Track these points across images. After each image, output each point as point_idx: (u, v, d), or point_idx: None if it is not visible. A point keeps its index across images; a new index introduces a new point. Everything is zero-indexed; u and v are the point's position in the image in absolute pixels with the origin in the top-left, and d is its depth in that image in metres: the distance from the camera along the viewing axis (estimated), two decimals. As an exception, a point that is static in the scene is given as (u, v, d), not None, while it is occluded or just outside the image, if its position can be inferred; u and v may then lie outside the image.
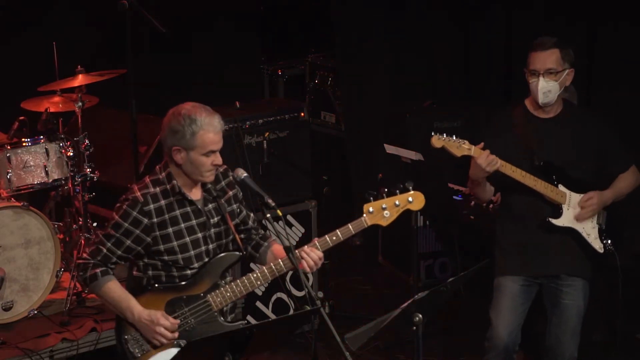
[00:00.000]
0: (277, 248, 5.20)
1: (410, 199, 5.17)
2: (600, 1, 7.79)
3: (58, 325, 6.63)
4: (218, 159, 4.97)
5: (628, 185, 5.96)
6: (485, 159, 5.63)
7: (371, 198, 5.14)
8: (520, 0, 8.26)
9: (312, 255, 5.04)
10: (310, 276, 7.29)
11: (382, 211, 5.13)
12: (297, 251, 5.03)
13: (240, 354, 4.79)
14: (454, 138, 5.63)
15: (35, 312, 6.74)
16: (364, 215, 5.12)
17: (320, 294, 7.46)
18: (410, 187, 5.18)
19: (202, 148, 4.91)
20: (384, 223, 5.16)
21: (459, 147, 5.63)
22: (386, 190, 5.17)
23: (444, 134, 5.63)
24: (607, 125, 5.94)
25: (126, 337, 5.03)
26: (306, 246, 5.08)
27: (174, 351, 4.89)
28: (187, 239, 5.03)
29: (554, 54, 5.73)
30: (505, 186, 5.86)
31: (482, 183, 5.80)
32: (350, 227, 5.11)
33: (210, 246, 5.08)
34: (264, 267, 5.07)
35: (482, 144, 5.68)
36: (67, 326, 6.62)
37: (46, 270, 6.79)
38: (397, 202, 5.15)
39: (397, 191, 5.16)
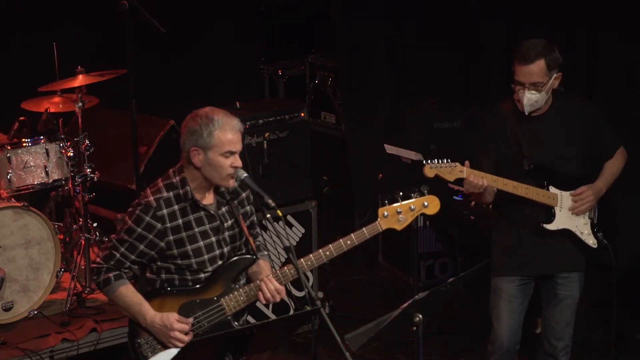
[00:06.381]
0: (259, 264, 5.13)
1: (425, 203, 5.14)
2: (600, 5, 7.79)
3: (58, 326, 6.64)
4: (237, 161, 4.91)
5: (616, 171, 5.93)
6: (469, 183, 5.63)
7: (386, 202, 5.10)
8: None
9: (269, 286, 4.96)
10: (310, 276, 7.30)
11: (396, 215, 5.09)
12: (257, 281, 4.98)
13: (240, 354, 4.79)
14: (445, 163, 5.58)
15: (36, 312, 6.75)
16: (379, 219, 5.08)
17: (320, 294, 7.45)
18: (426, 192, 5.15)
19: (219, 147, 4.86)
20: (399, 227, 5.12)
21: (451, 171, 5.59)
22: (401, 193, 5.12)
23: (435, 161, 5.58)
24: (598, 109, 5.90)
25: (139, 341, 4.98)
26: (266, 276, 4.99)
27: (174, 351, 4.89)
28: (201, 243, 4.98)
29: (538, 65, 5.59)
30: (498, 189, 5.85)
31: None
32: (365, 231, 5.08)
33: (225, 249, 5.03)
34: (279, 271, 5.01)
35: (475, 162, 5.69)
36: (67, 326, 6.63)
37: (46, 270, 6.80)
38: (412, 207, 5.11)
39: (413, 195, 5.12)
